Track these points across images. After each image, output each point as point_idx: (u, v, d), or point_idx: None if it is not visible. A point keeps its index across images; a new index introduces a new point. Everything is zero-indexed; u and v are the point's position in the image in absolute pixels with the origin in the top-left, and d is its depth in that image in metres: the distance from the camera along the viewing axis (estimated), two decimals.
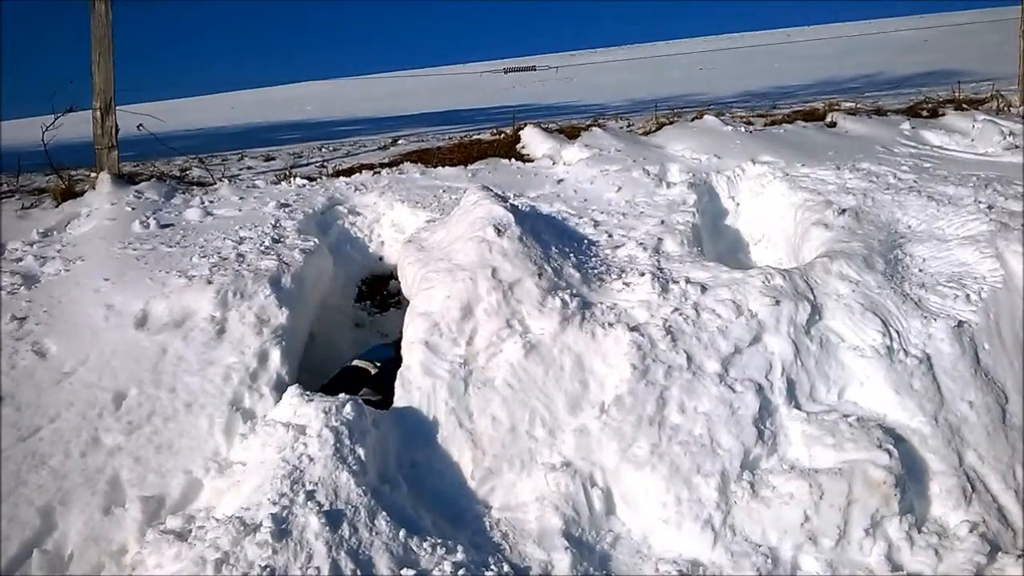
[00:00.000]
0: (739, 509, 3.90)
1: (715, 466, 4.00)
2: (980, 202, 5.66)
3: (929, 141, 7.51)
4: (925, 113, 8.49)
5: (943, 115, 8.28)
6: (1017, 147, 7.31)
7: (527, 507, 3.96)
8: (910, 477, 4.01)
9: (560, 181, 6.75)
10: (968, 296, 4.75)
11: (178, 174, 7.45)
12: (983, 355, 4.55)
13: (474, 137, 8.87)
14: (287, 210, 6.06)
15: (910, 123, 7.88)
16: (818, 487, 3.87)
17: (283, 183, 6.88)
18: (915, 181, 6.22)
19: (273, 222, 5.80)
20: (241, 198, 6.40)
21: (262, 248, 5.29)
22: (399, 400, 4.27)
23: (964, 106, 8.70)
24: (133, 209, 5.98)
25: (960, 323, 4.59)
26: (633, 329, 4.49)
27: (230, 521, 3.41)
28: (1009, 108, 8.72)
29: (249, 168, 8.11)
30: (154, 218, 5.79)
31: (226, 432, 4.06)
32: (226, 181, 6.96)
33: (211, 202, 6.31)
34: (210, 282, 4.78)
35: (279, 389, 4.28)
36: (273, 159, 8.68)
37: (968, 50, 19.27)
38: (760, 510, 3.89)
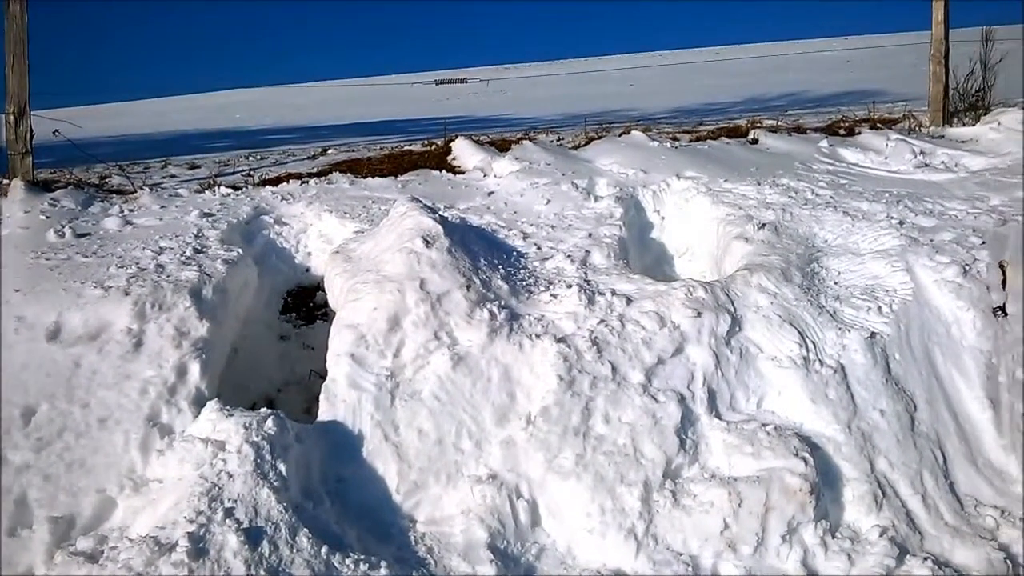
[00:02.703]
0: (661, 518, 3.97)
1: (638, 475, 4.06)
2: (892, 218, 5.91)
3: (845, 158, 7.81)
4: (842, 131, 8.83)
5: (859, 133, 8.63)
6: (927, 165, 7.67)
7: (453, 520, 3.95)
8: (825, 484, 4.13)
9: (491, 193, 6.78)
10: (880, 308, 4.95)
11: (97, 182, 7.22)
12: (894, 365, 4.74)
13: (405, 148, 8.85)
14: (210, 219, 5.93)
15: (828, 141, 8.19)
16: (737, 495, 3.96)
17: (207, 192, 6.73)
18: (832, 197, 6.45)
19: (195, 232, 5.66)
20: (163, 207, 6.24)
21: (183, 258, 5.16)
22: (323, 414, 4.21)
23: (879, 125, 9.08)
24: (48, 218, 5.76)
25: (872, 334, 4.78)
26: (560, 340, 4.53)
27: (144, 541, 3.31)
28: (920, 128, 9.14)
29: (172, 176, 7.91)
30: (70, 227, 5.59)
31: (142, 448, 3.93)
32: (147, 189, 6.77)
33: (131, 211, 6.14)
34: (127, 293, 4.64)
35: (198, 404, 4.17)
36: (198, 167, 8.50)
37: (886, 71, 20.11)
38: (682, 518, 3.96)
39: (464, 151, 7.94)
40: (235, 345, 5.18)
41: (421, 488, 4.05)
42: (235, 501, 3.49)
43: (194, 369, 4.35)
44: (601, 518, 3.94)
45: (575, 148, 8.05)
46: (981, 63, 9.83)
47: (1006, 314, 5.02)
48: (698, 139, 8.40)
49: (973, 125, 9.14)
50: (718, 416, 4.38)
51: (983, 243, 5.46)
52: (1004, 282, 5.16)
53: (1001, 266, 5.24)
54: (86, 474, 3.80)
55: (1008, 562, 4.02)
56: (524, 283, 5.04)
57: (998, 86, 9.86)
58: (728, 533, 3.91)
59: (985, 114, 9.37)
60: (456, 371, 4.36)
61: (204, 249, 5.38)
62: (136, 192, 6.71)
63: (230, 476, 3.60)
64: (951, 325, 5.00)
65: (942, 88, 9.35)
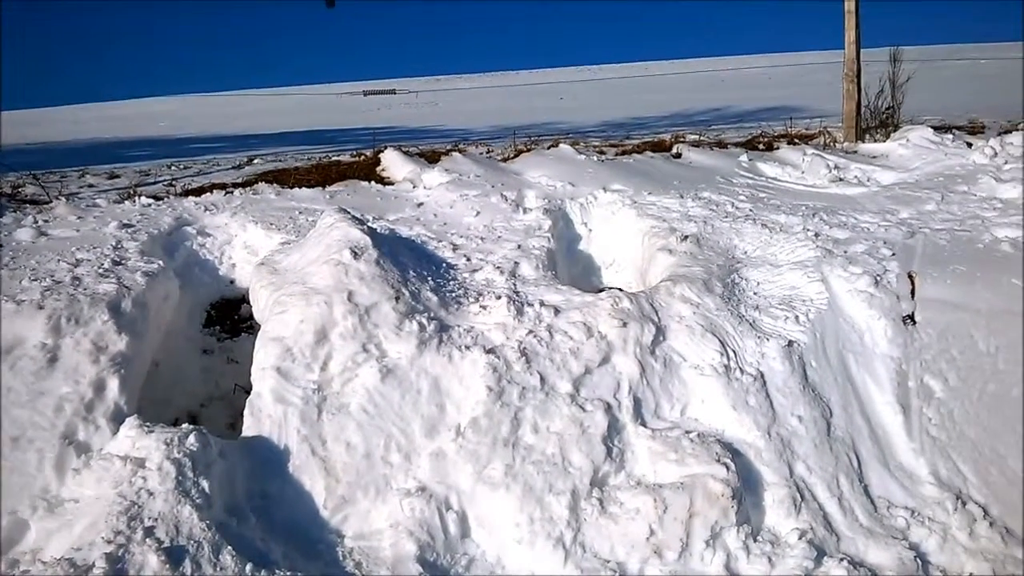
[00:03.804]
0: (589, 526, 4.02)
1: (566, 484, 4.11)
2: (808, 230, 6.14)
3: (764, 172, 8.08)
4: (762, 146, 9.14)
5: (777, 148, 8.94)
6: (841, 179, 7.99)
7: (381, 534, 3.92)
8: (746, 489, 4.25)
9: (420, 205, 6.78)
10: (797, 317, 5.12)
11: (9, 191, 6.96)
12: (811, 372, 4.91)
13: (334, 158, 8.78)
14: (130, 231, 5.77)
15: (748, 155, 8.46)
16: (662, 501, 4.04)
17: (127, 202, 6.57)
18: (751, 210, 6.67)
19: (114, 243, 5.51)
20: (79, 218, 6.05)
21: (101, 271, 5.01)
22: (248, 429, 4.14)
23: (796, 140, 9.43)
24: None
25: (790, 342, 4.94)
26: (489, 351, 4.56)
27: (59, 563, 3.20)
28: (835, 143, 9.52)
29: (90, 186, 7.68)
30: None
31: (57, 468, 3.80)
32: (63, 200, 6.56)
33: (45, 221, 5.93)
34: (41, 307, 4.48)
35: (117, 420, 4.05)
36: (117, 177, 8.27)
37: (804, 88, 20.87)
38: (609, 526, 4.01)
39: (394, 162, 7.92)
40: (156, 359, 5.04)
41: (349, 503, 4.01)
42: (156, 520, 3.40)
43: (112, 385, 4.22)
44: (530, 528, 3.97)
45: (505, 160, 8.12)
46: (890, 82, 10.32)
47: (915, 322, 5.25)
48: (624, 153, 8.58)
49: (884, 141, 9.57)
50: (644, 424, 4.47)
51: (893, 254, 5.71)
52: (912, 292, 5.40)
53: (910, 276, 5.49)
54: None
55: (918, 560, 4.20)
56: (454, 294, 5.05)
57: (906, 104, 10.35)
58: (654, 539, 3.98)
59: (895, 131, 9.84)
60: (385, 383, 4.34)
61: (123, 261, 5.23)
62: (51, 202, 6.50)
63: (150, 494, 3.50)
64: (864, 333, 5.20)
65: (855, 105, 9.77)
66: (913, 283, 5.44)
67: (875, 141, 9.68)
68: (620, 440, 4.36)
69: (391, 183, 7.49)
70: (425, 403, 4.34)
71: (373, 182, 7.47)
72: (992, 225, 6.25)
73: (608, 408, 4.43)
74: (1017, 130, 9.48)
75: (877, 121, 10.13)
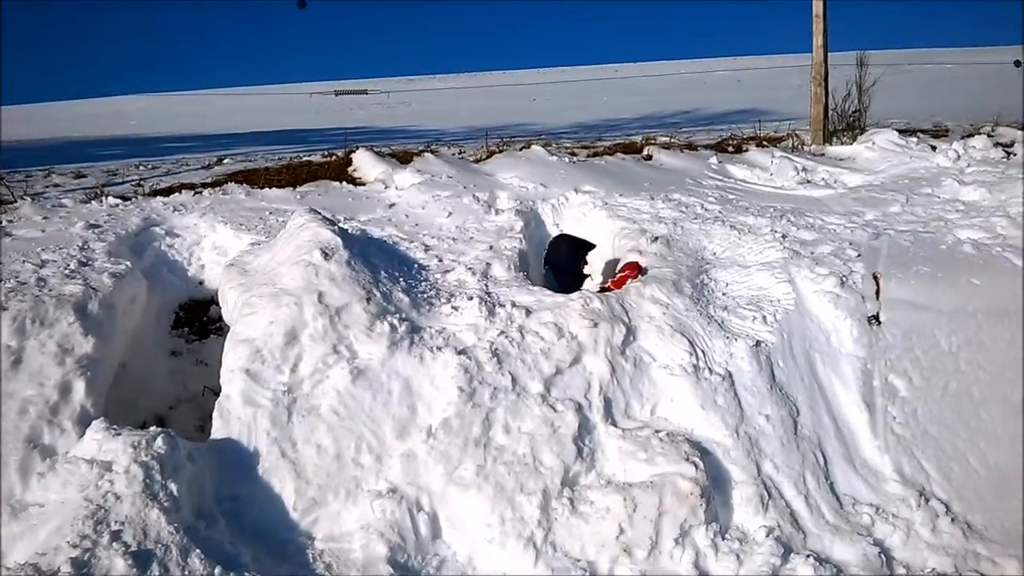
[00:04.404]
0: (560, 525, 4.04)
1: (538, 484, 4.13)
2: (776, 231, 6.22)
3: (733, 174, 8.16)
4: (731, 148, 9.23)
5: (746, 151, 9.03)
6: (809, 181, 8.10)
7: (352, 536, 3.92)
8: (715, 487, 4.30)
9: (392, 205, 6.76)
10: (765, 318, 5.19)
11: None
12: (778, 372, 4.98)
13: (305, 159, 8.73)
14: (97, 231, 5.70)
15: (717, 157, 8.54)
16: (632, 500, 4.08)
17: (94, 202, 6.48)
18: (720, 211, 6.74)
19: (80, 244, 5.44)
20: (45, 218, 5.96)
21: (67, 272, 4.94)
22: (217, 432, 4.11)
23: (765, 143, 9.54)
24: None
25: (758, 342, 5.01)
26: (461, 352, 4.57)
27: (24, 568, 3.17)
28: (803, 146, 9.65)
29: (56, 186, 7.57)
30: None
31: (21, 472, 3.75)
32: (28, 199, 6.46)
33: (10, 222, 5.85)
34: (5, 308, 4.41)
35: (83, 423, 4.00)
36: (84, 176, 8.17)
37: (774, 91, 21.07)
38: (579, 525, 4.04)
39: (365, 163, 7.89)
40: (123, 361, 4.98)
41: (319, 505, 4.00)
42: (123, 523, 3.37)
43: (78, 387, 4.17)
44: (501, 528, 3.99)
45: (477, 162, 8.12)
46: (857, 86, 10.47)
47: (880, 323, 5.34)
48: (596, 155, 8.62)
49: (851, 144, 9.71)
50: (614, 423, 4.50)
51: (858, 255, 5.81)
52: (877, 292, 5.49)
53: (875, 277, 5.58)
54: None
55: (882, 556, 4.28)
56: (425, 295, 5.05)
57: (873, 108, 10.51)
58: (624, 538, 4.02)
59: (861, 134, 9.98)
60: (356, 385, 4.33)
61: (90, 262, 5.17)
62: (16, 202, 6.40)
63: (117, 498, 3.47)
64: (830, 333, 5.28)
65: (822, 109, 9.90)
66: (878, 284, 5.53)
67: (842, 144, 9.82)
68: (591, 440, 4.39)
69: (363, 184, 7.47)
70: (396, 404, 4.34)
71: (344, 183, 7.44)
72: (955, 227, 6.38)
73: (579, 408, 4.46)
74: (980, 134, 9.67)
75: (844, 124, 10.26)
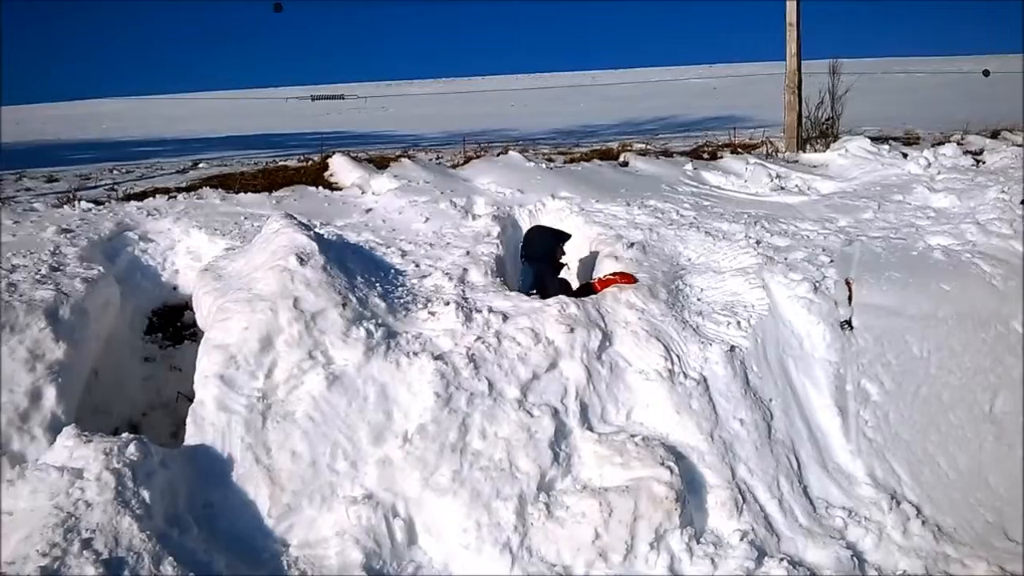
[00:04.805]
0: (536, 530, 4.05)
1: (514, 489, 4.13)
2: (750, 237, 6.28)
3: (708, 181, 8.24)
4: (706, 155, 9.32)
5: (721, 158, 9.12)
6: (783, 188, 8.19)
7: (327, 542, 3.89)
8: (690, 491, 4.32)
9: (369, 211, 6.75)
10: (739, 323, 5.23)
11: None
12: (752, 376, 5.02)
13: (280, 163, 8.69)
14: (69, 236, 5.63)
15: (693, 164, 8.62)
16: (608, 505, 4.09)
17: (66, 207, 6.41)
18: (695, 217, 6.79)
19: (52, 249, 5.37)
20: (16, 222, 5.88)
21: (38, 277, 4.88)
22: (191, 438, 4.07)
23: (739, 150, 9.64)
24: None
25: (732, 347, 5.05)
26: (437, 358, 4.56)
27: None
28: (777, 153, 9.76)
29: (28, 190, 7.48)
30: None
31: None
32: None
33: None
34: None
35: (54, 430, 3.95)
36: (57, 180, 8.07)
37: (749, 98, 21.27)
38: (555, 530, 4.05)
39: (342, 167, 7.88)
40: (95, 367, 4.92)
41: (294, 511, 3.97)
42: (93, 531, 3.33)
43: (49, 394, 4.12)
44: (477, 533, 3.99)
45: (454, 167, 8.14)
46: (830, 94, 10.62)
47: (852, 328, 5.40)
48: (572, 160, 8.67)
49: (824, 151, 9.84)
50: (590, 428, 4.52)
51: (831, 261, 5.87)
52: (850, 298, 5.55)
53: (847, 283, 5.64)
54: None
55: (855, 559, 4.33)
56: (402, 301, 5.04)
57: (845, 115, 10.66)
58: (599, 542, 4.03)
59: (834, 141, 10.12)
60: (331, 391, 4.31)
61: (61, 267, 5.10)
62: None
63: (88, 505, 3.43)
64: (803, 338, 5.34)
65: (796, 116, 10.03)
66: (851, 289, 5.60)
67: (815, 151, 9.95)
68: (567, 444, 4.40)
69: (339, 189, 7.45)
70: (372, 410, 4.33)
71: (321, 187, 7.42)
72: (926, 233, 6.48)
73: (555, 413, 4.47)
74: (949, 142, 9.84)
75: (817, 131, 10.40)
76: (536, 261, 5.64)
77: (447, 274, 5.45)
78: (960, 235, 6.33)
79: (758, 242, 6.18)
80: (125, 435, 3.86)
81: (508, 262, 6.19)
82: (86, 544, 3.27)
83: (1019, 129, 11.09)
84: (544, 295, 5.26)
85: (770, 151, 9.75)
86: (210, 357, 4.32)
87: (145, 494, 3.57)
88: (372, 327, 4.61)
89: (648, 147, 9.65)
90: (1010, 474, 5.00)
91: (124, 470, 3.58)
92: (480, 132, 13.02)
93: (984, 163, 8.86)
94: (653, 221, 6.59)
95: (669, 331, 5.03)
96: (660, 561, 4.05)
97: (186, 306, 5.61)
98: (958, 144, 9.63)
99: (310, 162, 8.35)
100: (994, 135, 10.74)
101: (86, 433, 3.82)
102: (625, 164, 8.64)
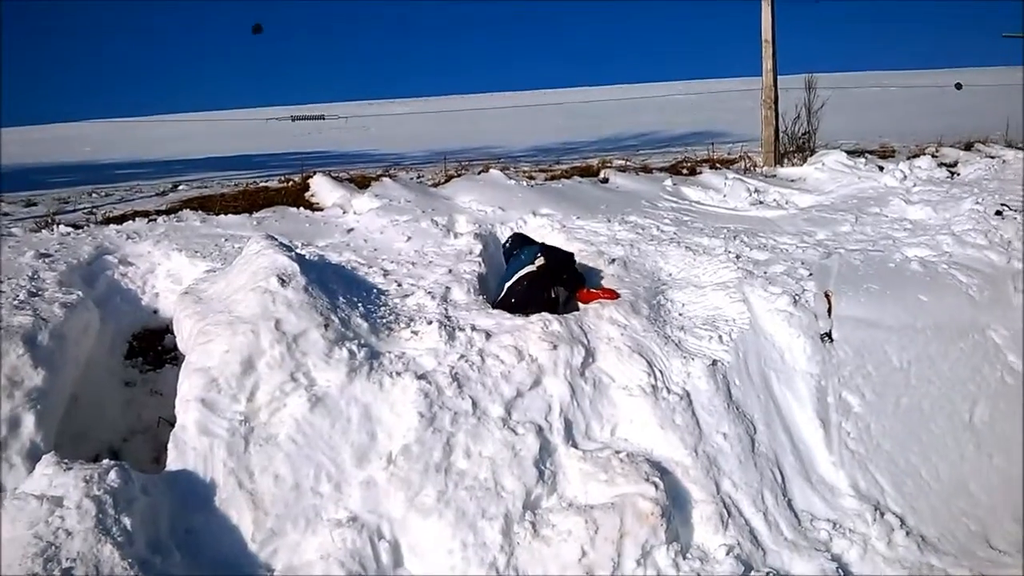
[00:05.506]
0: (522, 549, 4.03)
1: (499, 509, 4.12)
2: (730, 252, 6.33)
3: (688, 196, 8.31)
4: (685, 171, 9.40)
5: (700, 173, 9.21)
6: (761, 202, 8.27)
7: (312, 566, 3.86)
8: (675, 507, 4.32)
9: (350, 230, 6.75)
10: (721, 337, 5.26)
11: None
12: (735, 390, 5.04)
13: (261, 184, 8.67)
14: (47, 260, 5.59)
15: (672, 180, 8.69)
16: (593, 522, 4.08)
17: (44, 231, 6.36)
18: (675, 233, 6.84)
19: (30, 273, 5.33)
20: None
21: (16, 302, 4.84)
22: (172, 463, 4.04)
23: (718, 165, 9.73)
24: None
25: (714, 362, 5.07)
26: (421, 377, 4.56)
27: None
28: (755, 167, 9.86)
29: (5, 215, 7.42)
30: None
31: None
32: None
33: None
34: None
35: (33, 458, 3.91)
36: (35, 204, 8.01)
37: (727, 114, 21.45)
38: (541, 549, 4.04)
39: (322, 188, 7.87)
40: (75, 393, 4.87)
41: (278, 535, 3.94)
42: (74, 560, 3.29)
43: (28, 421, 4.08)
44: (463, 554, 3.97)
45: (435, 186, 8.15)
46: (806, 108, 10.76)
47: (832, 340, 5.45)
48: (554, 178, 8.72)
49: (801, 165, 9.96)
50: (575, 445, 4.52)
51: (810, 274, 5.92)
52: (829, 310, 5.60)
53: (827, 295, 5.69)
54: None
55: (840, 571, 4.33)
56: (384, 320, 5.04)
57: (821, 129, 10.80)
58: (586, 560, 4.02)
59: (811, 155, 10.24)
60: (314, 412, 4.29)
61: (40, 292, 5.06)
62: None
63: (68, 534, 3.38)
64: (784, 351, 5.37)
65: (773, 131, 10.15)
66: (830, 302, 5.64)
67: (793, 165, 10.06)
68: (552, 462, 4.40)
69: (320, 209, 7.44)
70: (355, 431, 4.31)
71: (301, 208, 7.41)
72: (902, 245, 6.56)
73: (540, 431, 4.47)
74: (924, 154, 9.98)
75: (795, 146, 10.53)
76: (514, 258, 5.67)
77: (429, 293, 5.45)
78: (936, 246, 6.41)
79: (738, 256, 6.23)
80: (106, 462, 3.81)
81: (490, 280, 6.20)
82: (66, 573, 3.23)
83: (993, 141, 11.27)
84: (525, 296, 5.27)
85: (748, 166, 9.85)
86: (191, 381, 4.29)
87: (126, 521, 3.53)
88: (355, 347, 4.60)
89: (628, 163, 9.72)
90: (990, 483, 5.04)
91: (105, 497, 3.54)
92: (461, 150, 13.06)
93: (959, 175, 8.98)
94: (634, 237, 6.63)
95: (651, 346, 5.05)
96: None
97: (167, 329, 5.57)
98: (933, 156, 9.77)
99: (291, 183, 8.34)
100: (968, 147, 10.90)
101: (66, 460, 3.77)
102: (605, 180, 8.69)
